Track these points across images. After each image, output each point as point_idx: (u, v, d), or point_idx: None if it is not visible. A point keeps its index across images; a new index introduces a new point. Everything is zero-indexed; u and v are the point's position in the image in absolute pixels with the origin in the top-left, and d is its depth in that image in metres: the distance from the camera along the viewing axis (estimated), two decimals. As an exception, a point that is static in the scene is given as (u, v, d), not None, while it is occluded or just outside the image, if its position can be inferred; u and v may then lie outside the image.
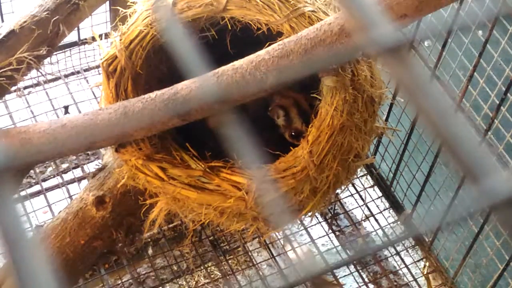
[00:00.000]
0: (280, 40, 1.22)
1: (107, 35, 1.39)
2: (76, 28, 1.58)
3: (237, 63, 1.19)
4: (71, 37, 1.62)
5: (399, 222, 1.72)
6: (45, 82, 1.78)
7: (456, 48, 1.42)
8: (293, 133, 1.38)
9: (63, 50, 1.77)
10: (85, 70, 1.82)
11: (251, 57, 1.19)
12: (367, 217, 1.74)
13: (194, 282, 1.63)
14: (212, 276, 1.64)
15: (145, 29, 1.30)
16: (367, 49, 0.31)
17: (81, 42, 1.76)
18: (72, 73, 1.83)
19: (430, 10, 1.12)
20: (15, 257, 0.28)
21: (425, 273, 1.67)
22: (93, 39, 1.40)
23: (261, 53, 1.18)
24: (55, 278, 0.28)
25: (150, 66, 1.35)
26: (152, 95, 1.22)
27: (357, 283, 1.65)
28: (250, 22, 1.31)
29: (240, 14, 1.30)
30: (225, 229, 1.45)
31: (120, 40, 1.31)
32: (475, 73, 1.30)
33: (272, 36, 1.30)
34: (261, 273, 1.65)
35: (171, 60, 1.44)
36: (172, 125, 1.24)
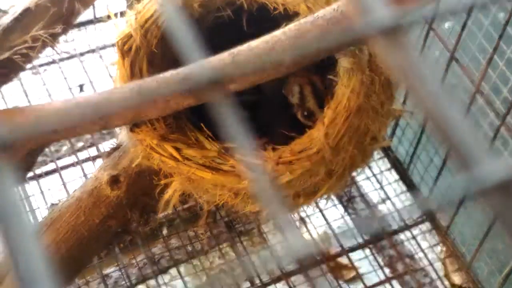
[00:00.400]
0: (297, 20, 1.21)
1: (122, 14, 1.37)
2: (92, 6, 1.56)
3: (253, 43, 1.18)
4: (87, 15, 1.62)
5: (416, 206, 1.70)
6: (60, 60, 1.77)
7: (476, 30, 1.39)
8: (305, 113, 1.36)
9: (79, 28, 1.76)
10: (101, 49, 1.82)
11: (267, 37, 1.17)
12: (383, 200, 1.73)
13: (209, 263, 1.63)
14: (227, 257, 1.64)
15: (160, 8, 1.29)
16: (363, 33, 0.30)
17: (96, 20, 1.75)
18: (88, 51, 1.82)
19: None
20: (10, 245, 0.27)
21: (441, 257, 1.66)
22: (109, 17, 1.38)
23: (277, 34, 1.17)
24: (51, 270, 0.27)
25: (165, 45, 1.34)
26: (167, 74, 1.21)
27: (372, 266, 1.64)
28: (266, 2, 1.30)
29: (257, -6, 1.29)
30: (239, 210, 1.44)
31: (136, 18, 1.30)
32: (495, 56, 1.28)
33: (289, 16, 1.29)
34: (275, 254, 1.65)
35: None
36: (188, 105, 1.23)
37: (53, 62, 1.78)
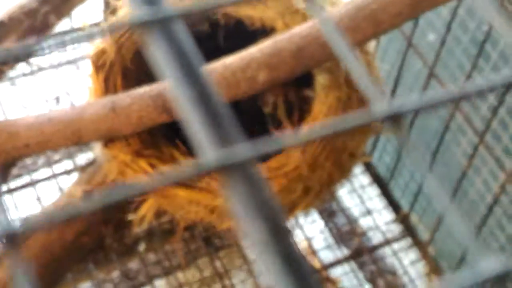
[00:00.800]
0: (273, 36, 1.19)
1: (98, 25, 1.35)
2: (68, 17, 1.54)
3: (227, 60, 1.16)
4: (64, 25, 1.59)
5: (396, 221, 1.68)
6: (36, 72, 1.75)
7: (455, 46, 1.38)
8: (275, 123, 1.35)
9: (55, 39, 1.74)
10: (77, 60, 1.79)
11: (242, 54, 1.15)
12: (364, 216, 1.71)
13: (186, 279, 1.61)
14: (204, 272, 1.61)
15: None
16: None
17: (74, 31, 1.72)
18: (64, 63, 1.79)
19: (426, 8, 1.08)
20: None
21: (422, 274, 1.64)
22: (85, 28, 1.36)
23: (253, 51, 1.15)
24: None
25: (140, 60, 1.32)
26: (141, 90, 1.20)
27: (353, 282, 1.63)
28: (243, 18, 1.28)
29: (233, 10, 1.27)
30: (217, 226, 1.42)
31: (110, 34, 1.28)
32: (473, 73, 1.27)
33: (266, 31, 1.27)
34: (255, 270, 1.63)
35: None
36: (162, 121, 1.21)
37: (30, 73, 1.76)
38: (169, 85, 0.29)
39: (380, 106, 0.32)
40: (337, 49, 0.33)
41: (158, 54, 0.30)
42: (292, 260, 0.26)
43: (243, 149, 0.27)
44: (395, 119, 0.32)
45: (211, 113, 0.29)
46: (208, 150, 0.27)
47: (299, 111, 1.36)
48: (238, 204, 0.26)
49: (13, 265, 0.24)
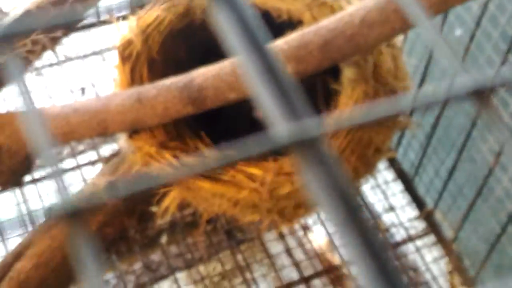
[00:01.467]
0: (300, 29, 1.18)
1: (125, 17, 1.35)
2: (95, 8, 1.54)
3: (254, 52, 1.15)
4: (90, 18, 1.59)
5: (420, 218, 1.67)
6: (62, 62, 1.75)
7: (485, 41, 1.36)
8: None
9: (82, 31, 1.74)
10: (104, 51, 1.79)
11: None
12: (387, 212, 1.70)
13: (207, 272, 1.61)
14: (226, 266, 1.61)
15: (163, 13, 1.27)
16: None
17: (100, 23, 1.73)
18: (90, 54, 1.80)
19: (457, 2, 1.07)
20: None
21: (446, 271, 1.62)
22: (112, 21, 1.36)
23: (280, 43, 1.14)
24: None
25: (167, 51, 1.32)
26: (167, 82, 1.19)
27: (375, 278, 1.61)
28: (270, 9, 1.27)
29: (261, 1, 1.26)
30: (240, 220, 1.42)
31: (137, 24, 1.28)
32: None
33: (293, 24, 1.26)
34: (276, 265, 1.62)
35: (189, 46, 1.41)
36: (187, 113, 1.20)
37: (55, 64, 1.76)
38: (237, 60, 0.28)
39: (463, 79, 0.31)
40: (413, 17, 0.32)
41: (226, 30, 0.29)
42: (367, 235, 0.25)
43: (315, 124, 0.26)
44: (480, 95, 0.30)
45: (281, 88, 0.28)
46: (280, 125, 0.26)
47: (325, 103, 1.35)
48: (313, 180, 0.26)
49: (77, 239, 0.24)
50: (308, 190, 0.27)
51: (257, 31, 0.29)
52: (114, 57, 1.77)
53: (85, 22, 1.59)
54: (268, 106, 0.27)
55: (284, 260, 1.66)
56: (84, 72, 1.78)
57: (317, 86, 1.37)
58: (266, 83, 0.27)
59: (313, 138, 0.26)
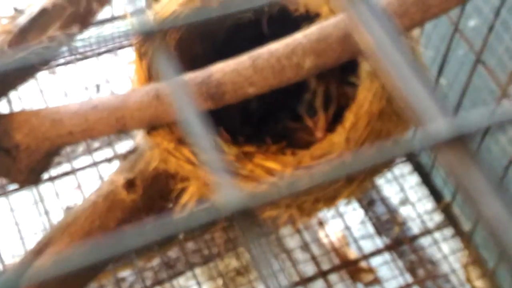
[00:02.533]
0: (318, 22, 1.17)
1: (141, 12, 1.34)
2: (109, 4, 1.54)
3: (273, 46, 1.14)
4: (105, 13, 1.59)
5: (437, 211, 1.66)
6: (77, 60, 1.75)
7: (503, 31, 1.35)
8: (310, 111, 1.34)
9: (96, 27, 1.74)
10: (118, 48, 1.79)
11: (288, 40, 1.14)
12: (404, 204, 1.70)
13: (225, 267, 1.60)
14: (243, 261, 1.61)
15: (179, 8, 1.26)
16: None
17: (114, 19, 1.72)
18: (105, 51, 1.80)
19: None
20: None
21: (464, 264, 1.62)
22: (127, 16, 1.36)
23: (298, 37, 1.13)
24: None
25: (183, 47, 1.31)
26: (185, 77, 1.19)
27: (393, 272, 1.61)
28: (287, 3, 1.26)
29: (278, -5, 1.25)
30: (257, 215, 1.41)
31: (153, 19, 1.27)
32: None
33: (310, 18, 1.26)
34: (293, 259, 1.62)
35: (205, 41, 1.40)
36: (206, 108, 1.20)
37: (70, 61, 1.76)
38: (381, 55, 0.28)
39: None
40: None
41: (365, 27, 0.29)
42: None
43: (474, 120, 0.26)
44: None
45: (428, 85, 0.28)
46: (437, 120, 0.26)
47: (337, 105, 1.35)
48: (473, 177, 0.25)
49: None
50: (464, 185, 0.26)
51: (393, 28, 0.28)
52: (127, 54, 1.77)
53: (99, 18, 1.58)
54: (421, 102, 0.27)
55: (299, 254, 1.66)
56: (98, 69, 1.78)
57: (332, 89, 1.36)
58: (415, 80, 0.27)
59: (473, 132, 0.26)
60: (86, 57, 1.76)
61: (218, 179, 0.28)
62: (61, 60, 1.74)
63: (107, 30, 1.76)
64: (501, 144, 1.42)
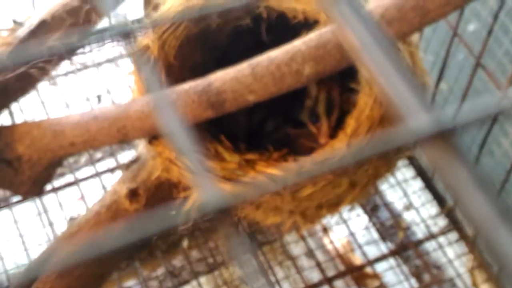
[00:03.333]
0: (317, 29, 1.17)
1: (139, 21, 1.35)
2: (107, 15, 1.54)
3: (272, 53, 1.15)
4: (104, 23, 1.59)
5: (441, 215, 1.66)
6: (77, 70, 1.75)
7: (502, 35, 1.35)
8: (313, 118, 1.34)
9: (96, 37, 1.74)
10: (118, 58, 1.80)
11: (287, 47, 1.14)
12: (408, 209, 1.69)
13: (229, 275, 1.60)
14: (248, 268, 1.61)
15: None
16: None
17: (113, 29, 1.72)
18: (105, 62, 1.80)
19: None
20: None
21: (469, 268, 1.61)
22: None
23: (298, 44, 1.14)
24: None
25: (183, 56, 1.31)
26: (186, 86, 1.19)
27: (398, 277, 1.61)
28: (286, 10, 1.27)
29: (276, 3, 1.26)
30: (261, 222, 1.41)
31: (153, 29, 1.28)
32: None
33: (309, 24, 1.26)
34: (298, 266, 1.62)
35: (205, 49, 1.41)
36: (207, 117, 1.20)
37: (71, 72, 1.77)
38: (367, 56, 0.28)
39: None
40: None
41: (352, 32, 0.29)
42: None
43: (452, 115, 0.26)
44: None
45: (412, 83, 0.28)
46: (419, 116, 0.26)
47: (339, 111, 1.35)
48: (456, 172, 0.25)
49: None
50: (447, 180, 0.26)
51: (376, 27, 0.29)
52: (128, 64, 1.78)
53: (99, 28, 1.59)
54: (403, 98, 0.27)
55: (304, 261, 1.66)
56: (99, 79, 1.78)
57: (334, 94, 1.36)
58: (398, 77, 0.27)
59: (451, 129, 0.26)
60: (86, 67, 1.77)
61: (199, 180, 0.28)
62: (62, 71, 1.75)
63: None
64: (503, 148, 1.42)
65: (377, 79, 0.28)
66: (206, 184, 0.27)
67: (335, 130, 1.29)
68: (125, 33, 0.30)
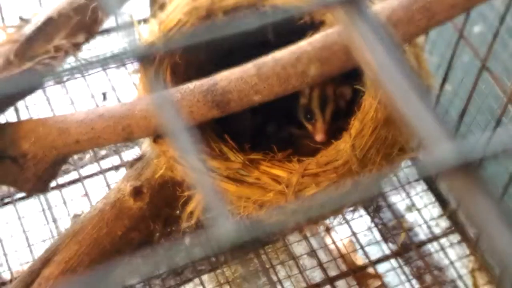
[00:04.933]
0: (323, 30, 1.18)
1: (146, 21, 1.35)
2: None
3: (278, 54, 1.15)
4: (110, 22, 1.60)
5: (444, 217, 1.66)
6: (83, 68, 1.75)
7: (508, 37, 1.35)
8: (308, 116, 1.34)
9: (102, 36, 1.75)
10: (124, 56, 1.80)
11: (293, 48, 1.14)
12: (411, 211, 1.70)
13: (232, 273, 1.61)
14: (250, 267, 1.61)
15: (184, 17, 1.27)
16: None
17: (120, 28, 1.73)
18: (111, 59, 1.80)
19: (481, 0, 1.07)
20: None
21: (470, 270, 1.62)
22: (133, 25, 1.36)
23: (303, 44, 1.14)
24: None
25: (189, 55, 1.32)
26: (191, 85, 1.19)
27: (400, 278, 1.61)
28: (292, 10, 1.27)
29: (282, 2, 1.26)
30: (264, 221, 1.41)
31: (159, 28, 1.28)
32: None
33: (315, 25, 1.26)
34: (300, 265, 1.62)
35: (210, 48, 1.41)
36: (212, 117, 1.20)
37: (76, 70, 1.77)
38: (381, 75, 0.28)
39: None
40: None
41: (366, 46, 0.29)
42: None
43: (479, 146, 0.26)
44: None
45: (431, 109, 0.28)
46: (442, 145, 0.26)
47: (334, 108, 1.35)
48: (479, 206, 0.25)
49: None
50: (470, 214, 0.26)
51: (395, 48, 0.29)
52: (133, 62, 1.77)
53: (105, 27, 1.59)
54: (424, 125, 0.27)
55: (306, 261, 1.66)
56: (105, 77, 1.78)
57: (328, 91, 1.37)
58: (417, 102, 0.27)
59: (476, 160, 0.26)
60: (92, 65, 1.77)
61: (212, 209, 0.28)
62: (67, 67, 1.75)
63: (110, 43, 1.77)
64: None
65: (397, 104, 0.28)
66: (221, 218, 0.27)
67: (340, 131, 1.29)
68: (139, 57, 0.31)
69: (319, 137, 1.32)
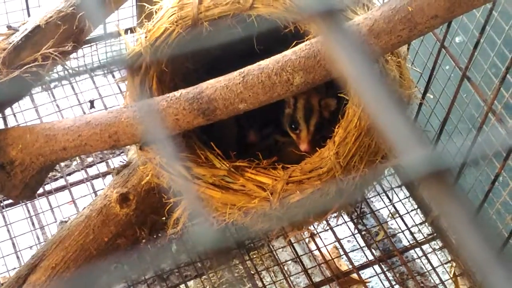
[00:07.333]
0: (307, 39, 1.20)
1: (132, 30, 1.37)
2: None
3: (263, 62, 1.17)
4: (97, 31, 1.61)
5: (426, 224, 1.69)
6: (71, 76, 1.77)
7: (488, 48, 1.38)
8: (293, 126, 1.36)
9: (90, 44, 1.76)
10: (111, 65, 1.81)
11: (278, 57, 1.16)
12: (393, 217, 1.72)
13: (218, 279, 1.62)
14: (236, 273, 1.63)
15: (170, 26, 1.29)
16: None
17: (107, 37, 1.75)
18: (98, 67, 1.82)
19: (462, 11, 1.09)
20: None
21: (452, 275, 1.64)
22: (119, 34, 1.38)
23: (288, 53, 1.16)
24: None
25: (175, 63, 1.33)
26: (177, 93, 1.21)
27: (383, 284, 1.63)
28: (277, 20, 1.29)
29: (267, 12, 1.28)
30: (249, 228, 1.43)
31: (145, 37, 1.29)
32: (507, 75, 1.27)
33: (299, 34, 1.28)
34: (285, 271, 1.64)
35: (196, 57, 1.43)
36: (197, 124, 1.22)
37: (64, 78, 1.78)
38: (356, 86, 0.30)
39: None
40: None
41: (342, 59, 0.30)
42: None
43: (451, 154, 0.28)
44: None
45: (406, 117, 0.29)
46: (415, 153, 0.27)
47: (319, 119, 1.37)
48: (452, 210, 0.27)
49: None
50: (446, 219, 0.28)
51: (370, 59, 0.30)
52: (120, 71, 1.79)
53: (92, 35, 1.61)
54: (398, 134, 0.28)
55: (291, 267, 1.68)
56: (92, 85, 1.79)
57: (313, 101, 1.39)
58: (390, 111, 0.28)
59: (449, 168, 0.27)
60: (79, 73, 1.78)
61: (194, 213, 0.30)
62: (55, 76, 1.76)
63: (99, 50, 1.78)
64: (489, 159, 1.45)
65: (371, 111, 0.30)
66: (201, 222, 0.29)
67: (323, 139, 1.31)
68: (126, 65, 0.32)
69: (303, 147, 1.34)
